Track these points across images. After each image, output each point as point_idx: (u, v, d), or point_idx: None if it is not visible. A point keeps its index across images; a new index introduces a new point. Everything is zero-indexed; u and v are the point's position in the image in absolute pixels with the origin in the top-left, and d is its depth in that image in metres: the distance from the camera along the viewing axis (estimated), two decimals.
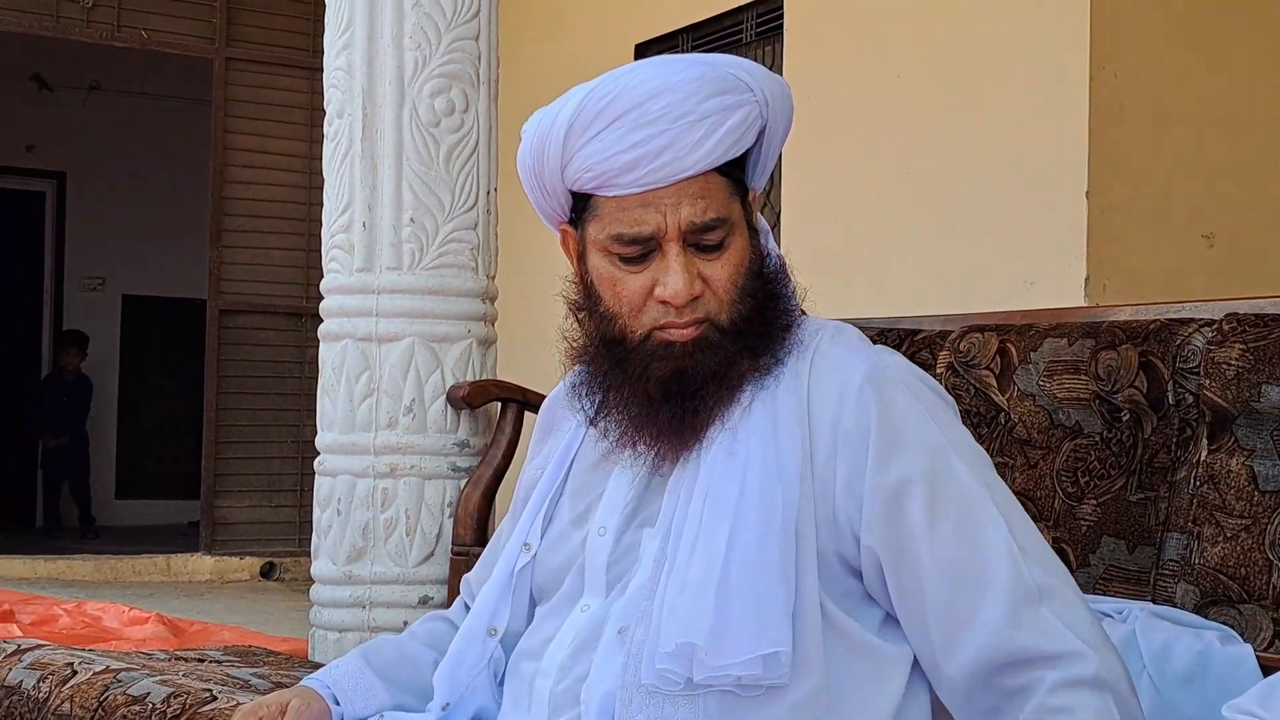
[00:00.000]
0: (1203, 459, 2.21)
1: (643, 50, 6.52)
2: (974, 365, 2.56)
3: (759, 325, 1.64)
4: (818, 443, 1.59)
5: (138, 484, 11.32)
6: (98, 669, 2.26)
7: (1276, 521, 2.10)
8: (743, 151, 1.66)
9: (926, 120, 5.07)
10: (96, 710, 2.14)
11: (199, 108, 8.95)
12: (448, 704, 1.73)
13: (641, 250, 1.62)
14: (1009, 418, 2.48)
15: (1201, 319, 2.31)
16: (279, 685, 2.28)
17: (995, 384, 2.51)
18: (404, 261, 3.70)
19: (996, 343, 2.54)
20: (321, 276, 3.87)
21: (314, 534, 3.80)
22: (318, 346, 3.85)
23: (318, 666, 2.34)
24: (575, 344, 1.73)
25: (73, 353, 10.61)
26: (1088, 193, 4.50)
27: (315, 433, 3.83)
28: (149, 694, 2.13)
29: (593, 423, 1.72)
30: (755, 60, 2.04)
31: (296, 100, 8.31)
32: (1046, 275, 4.54)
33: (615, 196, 1.62)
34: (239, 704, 1.96)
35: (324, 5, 3.92)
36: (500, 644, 1.75)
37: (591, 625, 1.63)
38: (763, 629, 1.52)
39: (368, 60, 3.74)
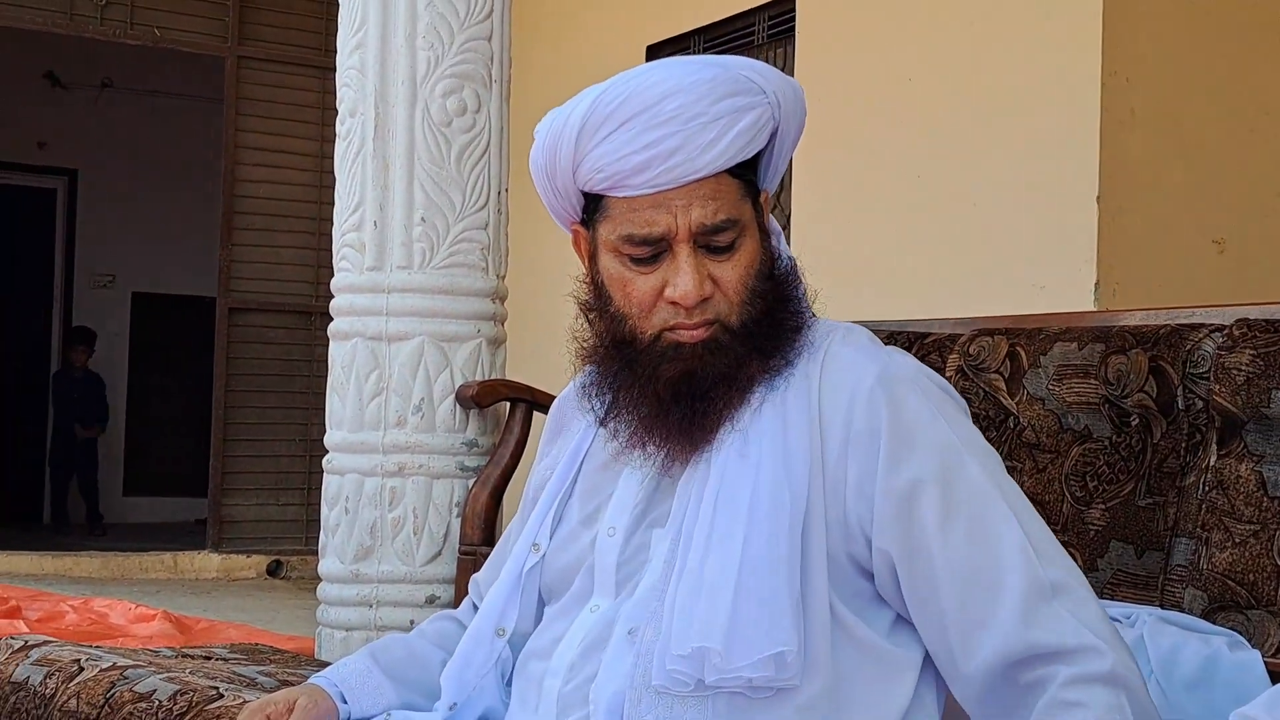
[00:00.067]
0: (1212, 464, 2.20)
1: (654, 52, 6.52)
2: (983, 369, 2.55)
3: (769, 327, 1.64)
4: (828, 444, 1.59)
5: (145, 481, 11.33)
6: (104, 665, 2.26)
7: None
8: (755, 153, 1.65)
9: (938, 123, 5.06)
10: (103, 707, 2.14)
11: (211, 106, 8.96)
12: (455, 704, 1.73)
13: (652, 251, 1.62)
14: (1018, 421, 2.48)
15: (1212, 324, 2.31)
16: (285, 683, 2.28)
17: (1004, 388, 2.51)
18: (414, 261, 3.71)
19: (1006, 346, 2.53)
20: (331, 275, 3.88)
21: (321, 532, 3.81)
22: (327, 345, 3.86)
23: (324, 665, 2.34)
24: (585, 344, 1.73)
25: (80, 349, 10.62)
26: (1098, 197, 4.49)
27: (323, 431, 3.84)
28: (155, 691, 2.13)
29: (603, 423, 1.72)
30: (767, 63, 2.04)
31: (308, 99, 8.33)
32: (1057, 279, 4.54)
33: (627, 197, 1.62)
34: (245, 701, 1.96)
35: (337, 4, 3.93)
36: (508, 644, 1.75)
37: (601, 626, 1.63)
38: (771, 629, 1.52)
39: (380, 60, 3.75)
